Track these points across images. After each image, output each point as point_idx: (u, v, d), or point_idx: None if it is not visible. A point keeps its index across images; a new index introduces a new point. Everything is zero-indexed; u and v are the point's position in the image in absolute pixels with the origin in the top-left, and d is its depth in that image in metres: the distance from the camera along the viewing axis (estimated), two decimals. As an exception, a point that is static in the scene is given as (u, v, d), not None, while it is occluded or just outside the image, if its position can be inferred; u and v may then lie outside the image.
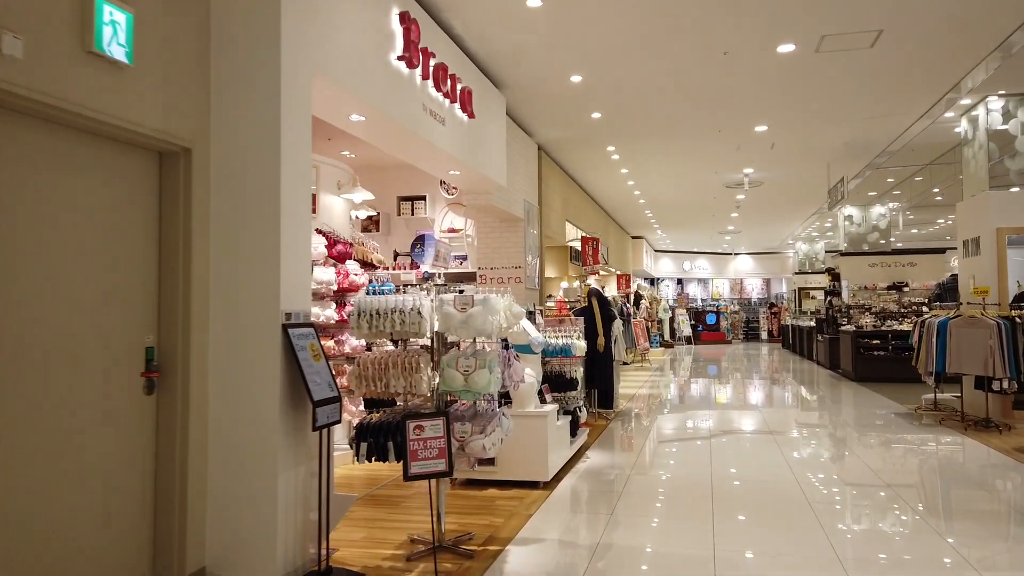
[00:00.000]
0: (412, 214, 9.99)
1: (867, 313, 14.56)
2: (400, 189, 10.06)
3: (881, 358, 13.00)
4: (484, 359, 3.78)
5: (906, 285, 15.92)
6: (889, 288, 16.13)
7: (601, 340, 8.54)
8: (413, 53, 5.13)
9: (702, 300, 30.86)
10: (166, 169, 3.51)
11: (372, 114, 4.85)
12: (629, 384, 12.84)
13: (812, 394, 12.04)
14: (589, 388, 8.66)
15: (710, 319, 27.75)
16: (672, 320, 26.81)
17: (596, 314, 8.59)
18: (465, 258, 9.80)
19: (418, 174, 8.93)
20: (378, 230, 10.08)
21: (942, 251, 16.52)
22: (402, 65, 5.09)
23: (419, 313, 3.79)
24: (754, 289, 31.67)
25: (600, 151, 11.09)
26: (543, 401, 5.84)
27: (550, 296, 10.51)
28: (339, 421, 3.69)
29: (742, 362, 18.70)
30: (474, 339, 4.06)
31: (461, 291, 3.95)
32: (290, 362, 3.53)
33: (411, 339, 3.98)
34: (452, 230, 9.82)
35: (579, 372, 6.71)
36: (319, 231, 6.61)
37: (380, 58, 4.83)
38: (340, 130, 5.63)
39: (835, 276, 16.97)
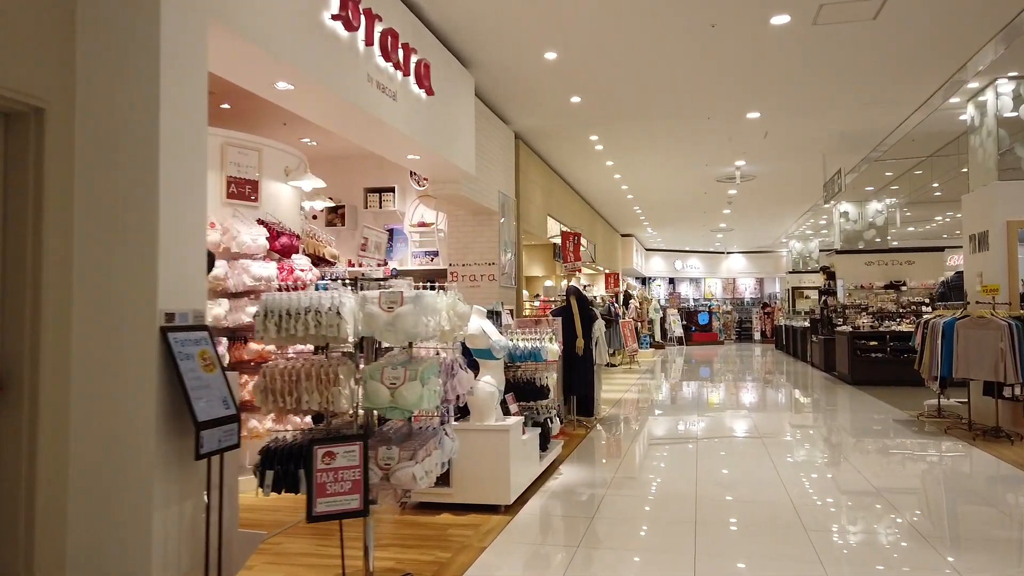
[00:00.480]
0: (380, 207, 9.31)
1: (864, 313, 13.96)
2: (367, 180, 9.38)
3: (879, 360, 12.39)
4: (417, 369, 3.11)
5: (904, 284, 15.37)
6: (886, 287, 15.57)
7: (580, 342, 7.88)
8: (352, 13, 4.45)
9: (694, 300, 30.26)
10: (12, 134, 2.82)
11: (302, 81, 4.18)
12: (615, 388, 12.20)
13: (807, 399, 11.42)
14: (567, 395, 8.01)
15: (702, 319, 27.16)
16: (663, 320, 26.21)
17: (575, 314, 7.94)
18: (436, 254, 9.12)
19: (386, 164, 8.25)
20: (343, 224, 9.40)
21: (940, 249, 15.96)
22: (338, 26, 4.41)
23: (338, 314, 3.12)
24: (747, 289, 31.10)
25: (582, 141, 10.43)
26: (507, 413, 5.18)
27: (537, 296, 9.88)
28: (237, 445, 3.02)
29: (734, 364, 18.09)
30: (410, 345, 3.40)
31: (388, 286, 3.28)
32: (170, 374, 2.85)
33: (333, 345, 3.30)
34: (423, 224, 9.14)
35: (551, 378, 6.05)
36: (261, 222, 5.94)
37: (308, 15, 4.15)
38: (300, 116, 4.97)
39: (830, 275, 16.37)
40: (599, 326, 8.50)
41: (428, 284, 3.64)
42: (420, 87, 5.62)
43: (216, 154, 5.67)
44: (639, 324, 21.38)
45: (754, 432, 7.83)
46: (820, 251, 24.31)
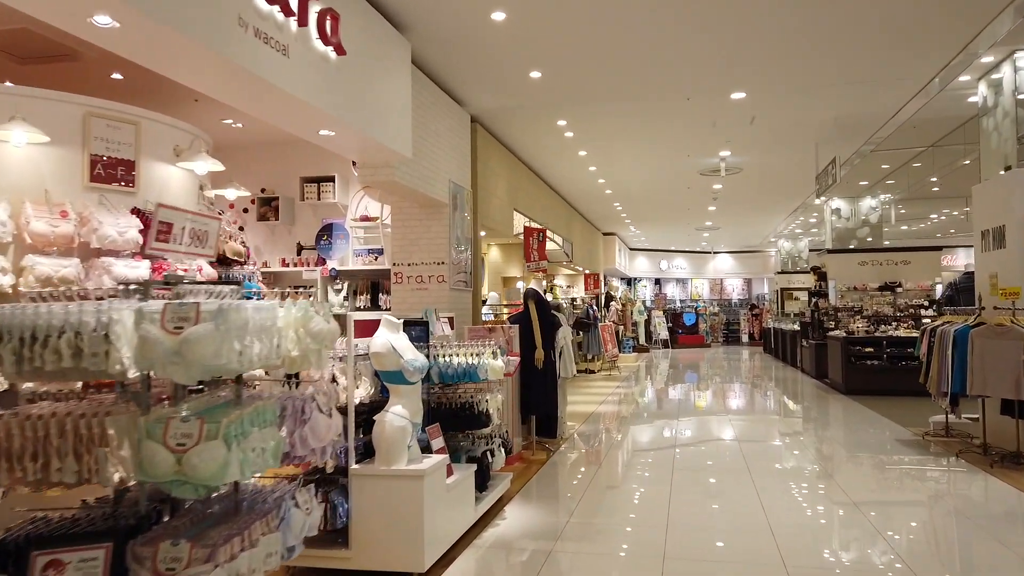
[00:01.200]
0: (319, 199, 8.22)
1: (858, 317, 13.01)
2: (304, 168, 8.29)
3: (875, 368, 11.44)
4: (219, 420, 2.05)
5: (899, 285, 14.45)
6: (880, 289, 14.65)
7: (540, 354, 6.84)
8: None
9: (681, 301, 29.34)
10: None
11: (130, 16, 3.10)
12: (589, 399, 11.16)
13: (799, 414, 10.43)
14: (526, 414, 6.96)
15: (688, 321, 26.22)
16: (648, 323, 25.26)
17: (534, 321, 6.89)
18: (382, 252, 8.05)
19: (326, 151, 7.17)
20: (277, 218, 8.31)
21: (938, 249, 15.05)
22: (185, -55, 3.34)
23: (106, 336, 2.04)
24: (734, 290, 30.21)
25: (549, 126, 9.38)
26: (427, 450, 4.12)
27: (484, 301, 8.83)
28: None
29: (720, 369, 17.12)
30: (238, 379, 2.33)
31: (177, 296, 2.22)
32: None
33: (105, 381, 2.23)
34: (365, 218, 8.06)
35: (494, 401, 5.00)
36: (137, 211, 4.85)
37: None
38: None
39: (821, 275, 15.43)
40: (564, 335, 7.46)
41: (293, 289, 2.58)
42: (325, 43, 4.54)
43: (76, 126, 4.58)
44: (622, 327, 20.40)
45: (739, 458, 6.82)
46: (810, 251, 23.43)
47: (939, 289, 14.24)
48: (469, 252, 8.13)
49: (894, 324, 12.60)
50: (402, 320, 4.00)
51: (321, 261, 8.07)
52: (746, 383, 14.40)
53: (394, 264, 7.57)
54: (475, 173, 8.58)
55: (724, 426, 8.73)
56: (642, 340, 23.36)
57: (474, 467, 4.56)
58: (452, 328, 5.39)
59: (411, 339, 4.26)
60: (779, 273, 23.66)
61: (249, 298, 4.32)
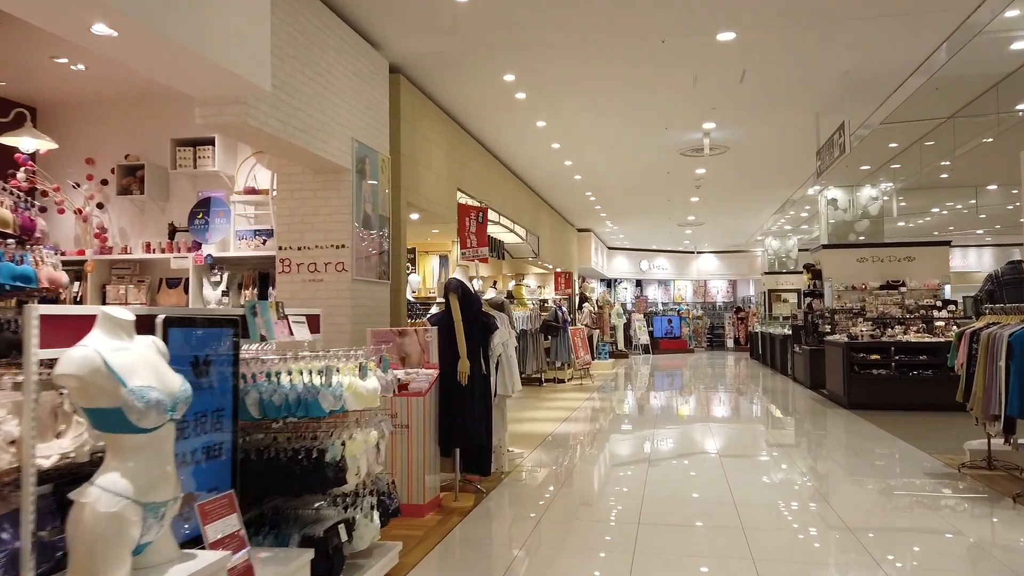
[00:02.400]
0: (195, 166, 6.45)
1: (860, 319, 11.42)
2: (176, 128, 6.51)
3: (882, 379, 9.84)
4: None
5: (902, 284, 12.91)
6: (882, 288, 13.11)
7: (464, 365, 5.12)
8: None
9: (663, 304, 27.77)
10: None
11: None
12: (552, 414, 9.45)
13: (794, 432, 8.79)
14: (448, 445, 5.22)
15: (670, 325, 24.59)
16: (628, 326, 23.65)
17: (456, 323, 5.17)
18: (272, 235, 6.28)
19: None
20: (142, 192, 6.51)
21: (946, 243, 13.54)
22: None
23: None
24: (719, 292, 28.70)
25: (494, 81, 7.65)
26: (200, 543, 2.38)
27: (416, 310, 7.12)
28: None
29: (704, 378, 15.48)
30: None
31: None
32: None
33: None
34: (252, 191, 6.29)
35: (359, 442, 3.25)
36: None
37: None
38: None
39: (816, 273, 13.86)
40: (501, 340, 5.74)
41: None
42: None
43: None
44: (597, 331, 18.73)
45: (725, 496, 5.14)
46: (800, 250, 21.95)
47: (947, 289, 12.73)
48: (387, 235, 6.39)
49: (902, 327, 11.02)
50: (134, 316, 2.25)
51: (196, 246, 6.29)
52: (732, 395, 12.77)
53: (280, 248, 5.80)
54: (397, 137, 6.85)
55: (709, 456, 7.04)
56: (620, 345, 21.73)
57: (309, 555, 2.82)
58: (314, 332, 3.64)
59: (190, 350, 2.52)
60: (766, 274, 22.14)
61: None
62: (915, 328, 10.70)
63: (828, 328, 13.24)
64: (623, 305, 24.70)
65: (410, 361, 5.29)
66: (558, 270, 16.92)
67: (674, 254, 27.28)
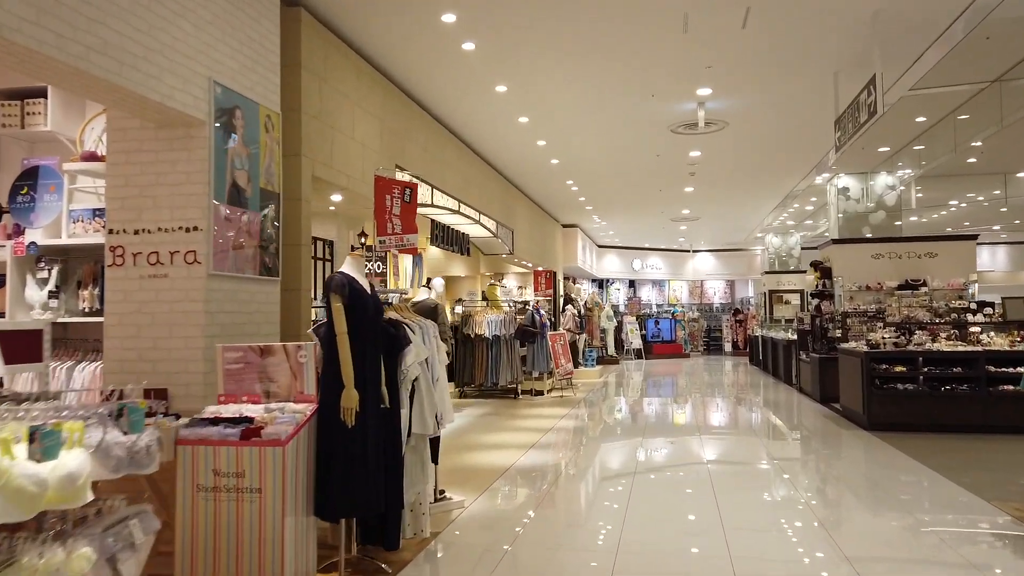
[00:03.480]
0: (23, 126, 4.87)
1: (879, 324, 9.87)
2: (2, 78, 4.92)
3: (909, 395, 8.31)
4: None
5: (923, 284, 11.43)
6: (900, 287, 11.61)
7: (349, 399, 3.55)
8: None
9: (657, 305, 26.23)
10: None
11: None
12: (520, 438, 7.89)
13: (809, 462, 7.24)
14: (325, 514, 3.64)
15: (664, 328, 23.03)
16: (619, 330, 22.11)
17: (339, 335, 3.60)
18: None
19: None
20: (-45, 160, 4.93)
21: (972, 237, 12.02)
22: None
23: None
24: (716, 293, 27.16)
25: (429, 25, 6.07)
26: None
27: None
28: None
29: (700, 388, 13.92)
30: None
31: None
32: None
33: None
34: (92, 156, 4.71)
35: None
36: None
37: None
38: None
39: (824, 272, 12.33)
40: (418, 358, 4.16)
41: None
42: None
43: None
44: (583, 336, 17.16)
45: (725, 566, 3.60)
46: (802, 248, 20.42)
47: (975, 289, 11.21)
48: (275, 213, 4.82)
49: (926, 333, 9.47)
50: None
51: (17, 230, 4.71)
52: (733, 409, 11.20)
53: (111, 231, 4.22)
54: (298, 89, 5.28)
55: (706, 500, 5.46)
56: (611, 350, 20.20)
57: None
58: (24, 359, 2.08)
59: None
60: (767, 273, 20.60)
61: None
62: (945, 335, 9.15)
63: (839, 333, 11.74)
64: (614, 307, 23.17)
65: (277, 392, 3.73)
66: (540, 268, 15.36)
67: (668, 253, 25.74)
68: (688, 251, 25.78)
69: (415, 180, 7.30)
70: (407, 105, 7.78)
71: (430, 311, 6.01)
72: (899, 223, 12.10)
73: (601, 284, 25.60)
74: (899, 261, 11.76)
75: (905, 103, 7.73)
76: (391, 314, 4.20)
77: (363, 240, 14.17)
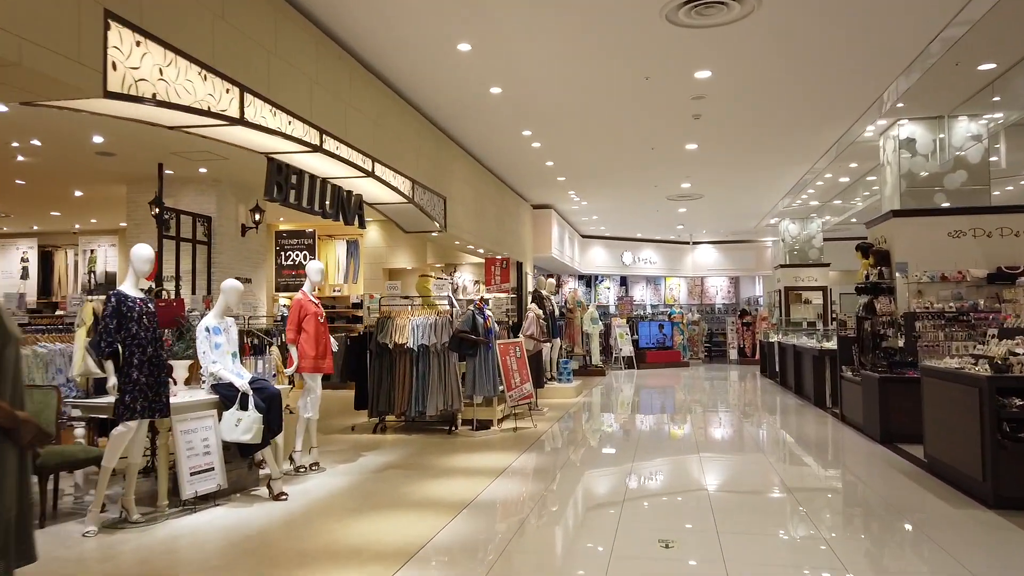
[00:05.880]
0: None
1: (992, 332, 6.43)
2: None
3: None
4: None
5: (1020, 271, 8.23)
6: (992, 278, 8.33)
7: None
8: None
9: (652, 306, 22.83)
10: None
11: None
12: (406, 528, 4.41)
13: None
14: None
15: (660, 332, 19.56)
16: (607, 335, 18.70)
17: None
18: None
19: None
20: None
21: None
22: None
23: None
24: (718, 291, 23.77)
25: None
26: None
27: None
28: None
29: (703, 409, 10.45)
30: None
31: None
32: None
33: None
34: None
35: None
36: None
37: None
38: None
39: (879, 257, 8.95)
40: None
41: None
42: None
43: None
44: (561, 343, 13.71)
45: None
46: (824, 240, 17.07)
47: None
48: None
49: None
50: None
51: None
52: (757, 454, 7.71)
53: None
54: None
55: None
56: (595, 359, 16.77)
57: None
58: None
59: None
60: (783, 267, 17.22)
61: None
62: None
63: (901, 342, 8.41)
64: (602, 308, 19.75)
65: None
66: (497, 256, 11.92)
67: (664, 245, 22.33)
68: (687, 243, 22.38)
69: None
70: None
71: None
72: (990, 184, 8.69)
73: (589, 281, 22.21)
74: (987, 242, 8.40)
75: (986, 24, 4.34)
76: None
77: (258, 218, 10.72)
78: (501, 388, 8.88)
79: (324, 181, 6.10)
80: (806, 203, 14.71)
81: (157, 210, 8.70)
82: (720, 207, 16.03)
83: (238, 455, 5.75)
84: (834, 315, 17.02)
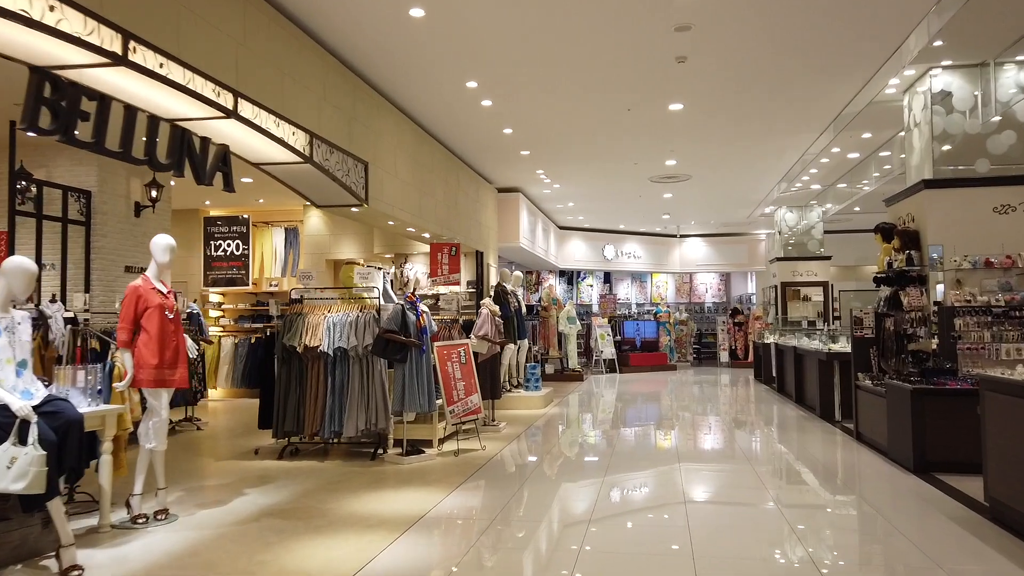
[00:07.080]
0: None
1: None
2: None
3: None
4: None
5: (1081, 258, 6.56)
6: (1048, 265, 6.65)
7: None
8: None
9: (638, 304, 21.19)
10: None
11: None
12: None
13: None
14: None
15: (645, 332, 17.85)
16: (587, 336, 17.03)
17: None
18: None
19: None
20: None
21: None
22: None
23: None
24: (708, 289, 22.16)
25: None
26: None
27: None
28: None
29: (692, 421, 8.72)
30: None
31: None
32: None
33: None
34: None
35: None
36: None
37: None
38: None
39: (906, 239, 7.28)
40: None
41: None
42: None
43: None
44: (530, 344, 11.97)
45: None
46: (825, 232, 15.46)
47: None
48: None
49: None
50: None
51: None
52: (759, 489, 5.98)
53: None
54: None
55: None
56: (572, 363, 15.05)
57: None
58: None
59: None
60: (779, 260, 15.58)
61: None
62: None
63: (935, 345, 6.81)
64: (583, 307, 18.07)
65: None
66: (445, 242, 10.18)
67: (649, 238, 20.67)
68: (675, 236, 20.73)
69: None
70: None
71: None
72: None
73: (571, 278, 20.54)
74: (1041, 218, 6.75)
75: None
76: None
77: (155, 194, 8.92)
78: (439, 401, 7.14)
79: (153, 117, 4.32)
80: (806, 186, 13.06)
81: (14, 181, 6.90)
82: (710, 192, 14.36)
83: (19, 509, 4.00)
84: (835, 313, 15.43)
